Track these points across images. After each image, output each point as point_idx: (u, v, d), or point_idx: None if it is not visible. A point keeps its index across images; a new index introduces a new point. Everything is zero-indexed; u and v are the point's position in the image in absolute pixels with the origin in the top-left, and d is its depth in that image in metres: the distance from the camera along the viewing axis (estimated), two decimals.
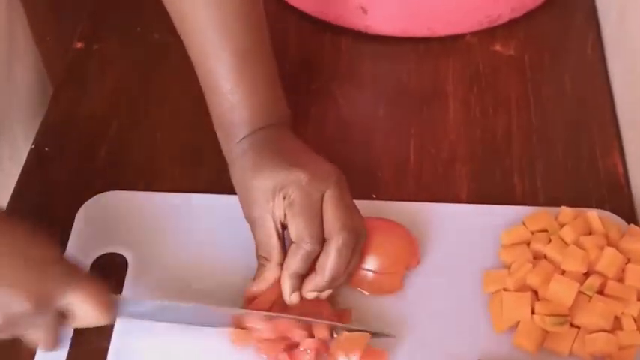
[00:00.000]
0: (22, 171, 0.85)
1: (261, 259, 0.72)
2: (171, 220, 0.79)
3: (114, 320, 0.69)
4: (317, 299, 0.72)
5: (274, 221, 0.71)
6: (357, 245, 0.72)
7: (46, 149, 0.87)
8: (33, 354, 0.71)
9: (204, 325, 0.71)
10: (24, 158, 0.88)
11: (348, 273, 0.73)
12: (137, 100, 0.92)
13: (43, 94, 1.00)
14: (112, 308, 0.67)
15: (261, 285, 0.72)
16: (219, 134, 0.77)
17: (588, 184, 0.84)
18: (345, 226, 0.70)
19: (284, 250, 0.71)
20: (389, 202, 0.81)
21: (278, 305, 0.72)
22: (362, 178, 0.84)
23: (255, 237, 0.73)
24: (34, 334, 0.65)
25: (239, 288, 0.73)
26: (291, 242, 0.71)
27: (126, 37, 0.98)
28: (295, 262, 0.70)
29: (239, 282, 0.74)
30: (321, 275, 0.70)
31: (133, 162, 0.86)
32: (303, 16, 0.99)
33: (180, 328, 0.71)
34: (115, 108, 0.91)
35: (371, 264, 0.74)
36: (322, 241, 0.71)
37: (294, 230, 0.70)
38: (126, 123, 0.89)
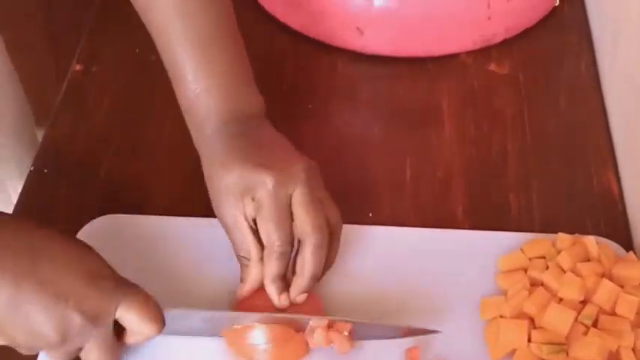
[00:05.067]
0: (21, 193, 0.86)
1: (242, 259, 0.73)
2: (170, 244, 0.79)
3: (160, 332, 0.68)
4: (310, 300, 0.73)
5: (247, 219, 0.72)
6: (333, 237, 0.73)
7: (45, 171, 0.87)
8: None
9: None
10: (3, 179, 0.87)
11: (329, 264, 0.73)
12: (136, 122, 0.92)
13: (21, 117, 1.01)
14: (160, 320, 0.67)
15: (250, 285, 0.73)
16: (189, 126, 0.77)
17: (583, 202, 0.85)
18: (315, 226, 0.71)
19: (262, 245, 0.72)
20: (385, 227, 0.82)
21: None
22: (358, 196, 0.85)
23: (230, 237, 0.73)
24: (89, 352, 0.65)
25: None
26: (265, 246, 0.71)
27: (124, 58, 0.98)
28: (272, 266, 0.71)
29: None
30: (301, 277, 0.71)
31: (132, 184, 0.86)
32: (299, 36, 0.99)
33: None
34: (113, 130, 0.91)
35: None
36: (292, 240, 0.71)
37: (264, 234, 0.71)
38: (125, 145, 0.90)
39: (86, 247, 0.66)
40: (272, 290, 0.72)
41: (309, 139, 0.90)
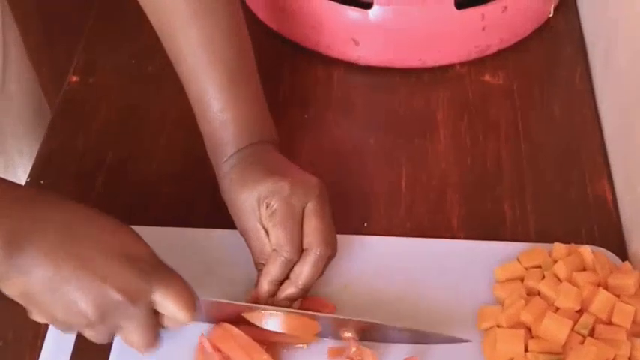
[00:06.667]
0: None
1: (260, 266, 0.74)
2: (167, 255, 0.79)
3: (194, 319, 0.69)
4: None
5: (265, 229, 0.73)
6: (330, 258, 0.74)
7: (42, 182, 0.87)
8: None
9: None
10: (18, 173, 0.87)
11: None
12: (132, 133, 0.92)
13: (38, 112, 1.01)
14: (192, 308, 0.67)
15: (264, 290, 0.74)
16: (209, 152, 0.79)
17: (578, 211, 0.85)
18: (325, 239, 0.73)
19: None
20: (381, 237, 0.82)
21: None
22: (354, 206, 0.85)
23: (250, 247, 0.75)
24: (129, 332, 0.66)
25: None
26: (272, 250, 0.73)
27: (121, 69, 0.99)
28: (274, 269, 0.73)
29: None
30: (295, 284, 0.73)
31: (129, 194, 0.87)
32: (295, 47, 1.00)
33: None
34: (110, 141, 0.92)
35: None
36: (300, 251, 0.73)
37: (274, 239, 0.73)
38: (121, 156, 0.90)
39: (122, 227, 0.67)
40: (264, 289, 0.73)
41: (305, 149, 0.91)
